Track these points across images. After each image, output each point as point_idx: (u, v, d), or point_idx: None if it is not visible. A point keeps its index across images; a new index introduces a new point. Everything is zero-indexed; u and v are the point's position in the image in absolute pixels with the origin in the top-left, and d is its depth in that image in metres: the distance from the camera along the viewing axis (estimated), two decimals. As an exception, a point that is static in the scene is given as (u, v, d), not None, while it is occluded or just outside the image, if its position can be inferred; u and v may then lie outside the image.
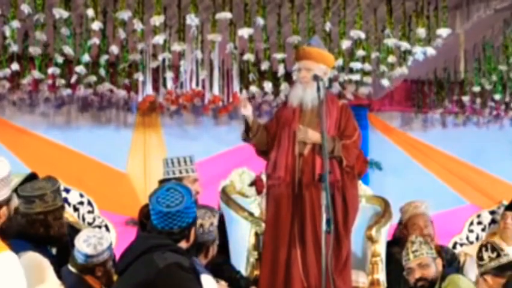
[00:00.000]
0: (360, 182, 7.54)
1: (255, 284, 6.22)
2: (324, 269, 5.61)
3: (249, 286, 6.18)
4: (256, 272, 6.46)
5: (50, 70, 7.38)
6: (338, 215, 5.97)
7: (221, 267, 6.25)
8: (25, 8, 6.72)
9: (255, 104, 8.28)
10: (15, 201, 5.30)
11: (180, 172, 6.41)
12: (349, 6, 7.52)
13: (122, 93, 7.84)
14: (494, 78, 8.82)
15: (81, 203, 7.31)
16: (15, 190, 5.58)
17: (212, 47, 7.25)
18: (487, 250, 5.66)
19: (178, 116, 8.58)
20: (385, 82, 7.84)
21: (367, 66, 7.78)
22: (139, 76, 7.56)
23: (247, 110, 6.06)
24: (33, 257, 4.62)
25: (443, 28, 7.48)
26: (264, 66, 7.63)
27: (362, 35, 7.46)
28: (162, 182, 6.27)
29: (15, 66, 7.28)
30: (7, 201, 3.83)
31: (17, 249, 4.38)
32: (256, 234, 6.59)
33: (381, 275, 6.80)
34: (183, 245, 4.38)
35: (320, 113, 5.84)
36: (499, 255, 5.62)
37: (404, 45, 7.58)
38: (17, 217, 4.81)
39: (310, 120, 6.10)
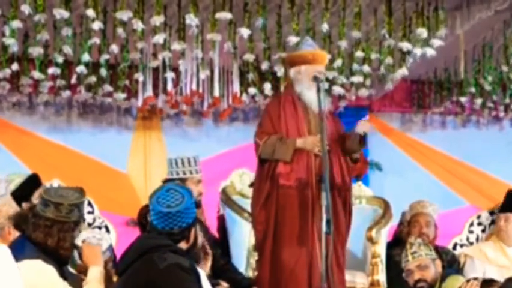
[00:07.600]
0: (360, 183, 7.57)
1: (255, 284, 6.20)
2: (323, 270, 5.60)
3: (251, 286, 6.15)
4: (256, 273, 6.44)
5: (51, 70, 7.38)
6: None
7: (223, 267, 6.25)
8: (25, 9, 6.71)
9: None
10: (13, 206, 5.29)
11: (184, 173, 6.34)
12: (349, 6, 7.52)
13: (122, 96, 7.81)
14: (494, 79, 8.83)
15: (81, 203, 7.27)
16: (17, 190, 5.60)
17: (212, 47, 7.25)
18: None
19: (178, 116, 8.58)
20: (389, 86, 7.86)
21: (367, 68, 7.77)
22: (139, 76, 7.56)
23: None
24: (36, 264, 4.53)
25: (442, 29, 7.49)
26: (264, 66, 7.63)
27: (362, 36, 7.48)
28: (166, 182, 6.23)
29: (15, 66, 7.27)
30: None
31: (19, 250, 4.36)
32: (257, 235, 6.57)
33: (381, 276, 6.81)
34: (183, 245, 4.39)
35: (320, 115, 5.83)
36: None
37: (404, 45, 7.58)
38: (29, 216, 4.75)
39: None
